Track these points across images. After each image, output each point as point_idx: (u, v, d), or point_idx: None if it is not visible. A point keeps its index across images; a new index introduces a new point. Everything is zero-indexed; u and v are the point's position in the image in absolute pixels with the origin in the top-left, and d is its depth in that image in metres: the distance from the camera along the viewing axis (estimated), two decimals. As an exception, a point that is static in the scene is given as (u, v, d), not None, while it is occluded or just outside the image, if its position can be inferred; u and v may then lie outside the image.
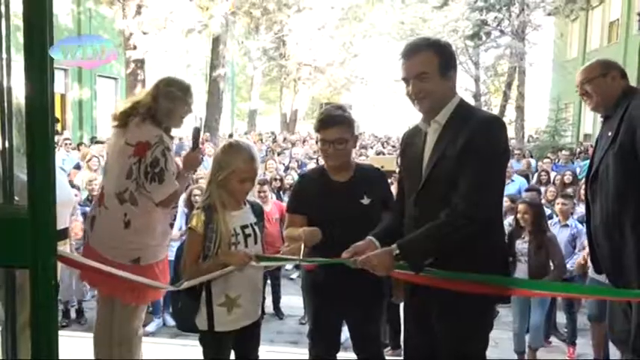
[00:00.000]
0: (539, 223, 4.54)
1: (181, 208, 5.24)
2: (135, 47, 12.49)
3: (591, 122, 21.39)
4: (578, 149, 15.61)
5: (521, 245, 4.58)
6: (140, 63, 13.00)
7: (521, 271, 4.55)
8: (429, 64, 2.03)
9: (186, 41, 14.79)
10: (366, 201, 2.60)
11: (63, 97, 16.37)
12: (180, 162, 2.97)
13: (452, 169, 1.98)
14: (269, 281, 5.92)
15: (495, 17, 18.96)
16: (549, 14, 20.77)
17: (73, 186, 5.83)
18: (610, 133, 2.44)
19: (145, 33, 12.69)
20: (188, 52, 18.94)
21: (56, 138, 12.46)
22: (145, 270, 2.75)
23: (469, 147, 1.95)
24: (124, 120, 2.79)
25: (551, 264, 4.42)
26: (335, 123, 2.55)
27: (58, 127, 15.67)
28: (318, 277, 2.65)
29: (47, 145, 1.65)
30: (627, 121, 2.35)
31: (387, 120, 35.38)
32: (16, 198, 1.74)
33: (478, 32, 18.94)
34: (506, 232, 4.29)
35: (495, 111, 25.29)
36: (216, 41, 16.83)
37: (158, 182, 2.68)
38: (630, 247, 2.36)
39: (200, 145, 3.02)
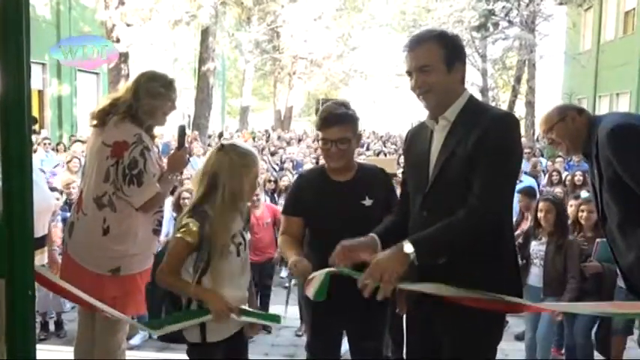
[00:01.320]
0: (561, 224, 4.47)
1: (169, 213, 5.23)
2: (118, 40, 12.47)
3: (606, 118, 21.40)
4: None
5: (537, 247, 4.54)
6: (123, 57, 12.97)
7: (535, 275, 4.54)
8: (433, 55, 2.02)
9: (172, 33, 14.76)
10: (367, 202, 2.60)
11: (41, 93, 16.32)
12: (165, 163, 2.94)
13: (463, 168, 1.99)
14: (259, 290, 5.83)
15: (504, 7, 18.96)
16: (561, 3, 20.78)
17: (53, 189, 5.80)
18: (595, 171, 2.51)
19: (128, 25, 12.69)
20: (175, 44, 18.90)
21: (34, 138, 12.46)
22: (126, 281, 2.73)
23: (483, 145, 1.95)
24: (102, 119, 2.77)
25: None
26: (337, 121, 2.55)
27: (36, 126, 15.63)
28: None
29: (24, 147, 1.65)
30: (601, 151, 2.39)
31: (388, 117, 35.43)
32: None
33: (485, 23, 18.97)
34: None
35: (504, 107, 25.35)
36: (205, 33, 16.82)
37: (137, 185, 2.64)
38: None
39: (186, 145, 2.98)
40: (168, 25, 13.65)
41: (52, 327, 5.48)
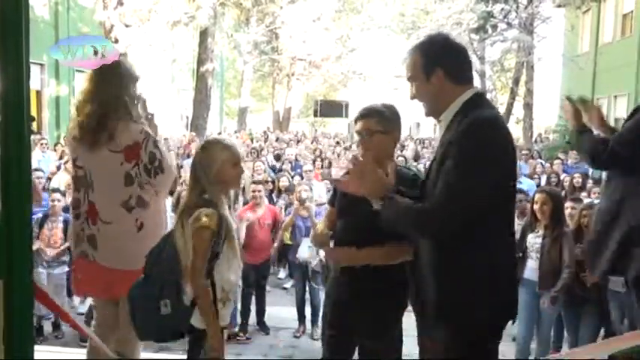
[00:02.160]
0: (558, 215, 4.52)
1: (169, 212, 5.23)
2: (116, 40, 12.45)
3: (604, 121, 21.43)
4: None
5: (533, 240, 4.58)
6: (122, 57, 12.89)
7: (531, 269, 4.59)
8: (414, 66, 2.08)
9: (171, 34, 14.75)
10: (376, 205, 2.59)
11: (39, 93, 16.27)
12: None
13: (437, 172, 2.00)
14: (253, 291, 5.84)
15: (502, 9, 18.97)
16: (559, 6, 20.81)
17: (55, 190, 5.76)
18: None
19: (127, 25, 12.68)
20: (174, 45, 18.90)
21: (32, 137, 12.44)
22: None
23: (451, 148, 1.94)
24: (96, 135, 2.72)
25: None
26: (364, 115, 2.69)
27: (34, 126, 15.60)
28: (330, 288, 2.83)
29: (23, 147, 1.65)
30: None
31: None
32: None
33: (484, 25, 18.96)
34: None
35: (502, 109, 25.39)
36: (203, 34, 16.80)
37: (162, 172, 2.74)
38: None
39: (150, 113, 2.98)
40: (166, 26, 13.65)
41: (49, 328, 5.46)
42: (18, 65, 1.73)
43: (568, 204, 5.19)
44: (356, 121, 2.71)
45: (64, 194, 5.57)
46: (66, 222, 5.21)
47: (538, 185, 8.68)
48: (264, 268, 5.98)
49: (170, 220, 5.13)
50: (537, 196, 4.60)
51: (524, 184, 8.08)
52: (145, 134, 2.74)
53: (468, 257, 1.96)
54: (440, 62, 2.04)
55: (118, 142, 2.71)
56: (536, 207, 4.56)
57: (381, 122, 2.64)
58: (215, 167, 2.45)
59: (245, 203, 5.98)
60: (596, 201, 6.62)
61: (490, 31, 19.60)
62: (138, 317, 2.46)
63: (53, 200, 5.34)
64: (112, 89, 2.76)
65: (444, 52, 2.07)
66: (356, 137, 2.87)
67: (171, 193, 5.15)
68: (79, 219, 2.84)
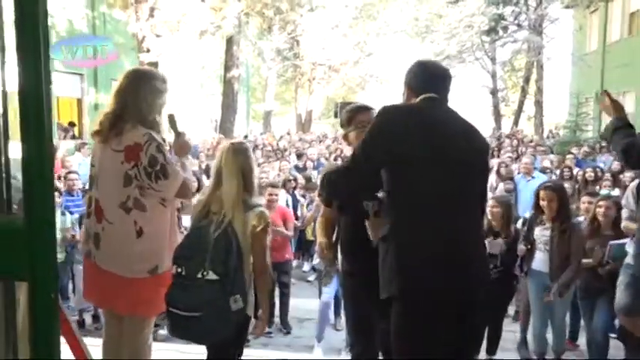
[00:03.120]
0: (564, 209, 4.32)
1: None
2: (148, 50, 12.51)
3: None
4: (599, 144, 15.20)
5: (541, 232, 4.40)
6: (154, 66, 13.00)
7: (540, 260, 4.39)
8: (403, 95, 2.43)
9: (199, 43, 14.77)
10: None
11: (79, 101, 16.49)
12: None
13: None
14: (277, 288, 5.57)
15: (513, 11, 18.60)
16: (567, 7, 20.36)
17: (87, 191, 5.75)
18: None
19: (158, 36, 12.71)
20: (202, 54, 18.95)
21: (73, 142, 12.55)
22: (161, 278, 2.61)
23: None
24: (108, 134, 2.64)
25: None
26: (369, 108, 2.83)
27: (76, 131, 15.79)
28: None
29: (43, 148, 1.55)
30: None
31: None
32: (15, 207, 1.65)
33: (495, 27, 18.61)
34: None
35: (513, 107, 24.95)
36: (229, 42, 16.81)
37: (165, 178, 2.55)
38: None
39: (180, 131, 2.84)
40: (195, 35, 13.67)
41: (89, 320, 5.45)
42: (37, 66, 1.58)
43: (585, 198, 4.98)
44: (356, 112, 2.83)
45: None
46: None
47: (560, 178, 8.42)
48: (284, 265, 5.79)
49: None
50: (542, 193, 4.39)
51: (538, 178, 7.83)
52: (149, 137, 2.56)
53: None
54: (407, 82, 2.41)
55: (121, 141, 2.59)
56: (542, 203, 4.37)
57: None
58: (254, 169, 2.57)
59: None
60: (612, 192, 6.39)
61: (501, 32, 19.22)
62: (211, 321, 2.39)
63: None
64: (132, 94, 2.65)
65: (412, 74, 2.40)
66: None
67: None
68: (89, 217, 2.74)
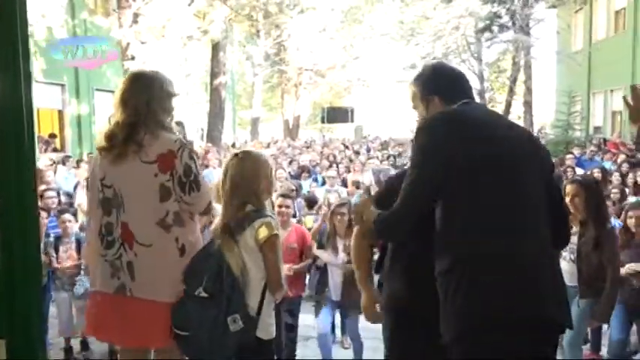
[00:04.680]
0: (597, 209, 3.59)
1: None
2: (133, 58, 12.10)
3: (601, 115, 20.95)
4: (593, 144, 15.09)
5: None
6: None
7: (567, 272, 3.58)
8: (414, 97, 2.17)
9: (185, 50, 14.40)
10: None
11: (61, 113, 15.99)
12: None
13: None
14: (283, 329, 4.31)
15: (508, 9, 18.50)
16: (553, 6, 20.40)
17: (62, 211, 5.25)
18: None
19: (142, 42, 12.32)
20: (187, 60, 18.58)
21: (56, 155, 12.08)
22: None
23: None
24: (124, 146, 2.29)
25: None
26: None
27: (57, 143, 15.28)
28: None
29: (24, 171, 1.21)
30: None
31: (390, 122, 34.99)
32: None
33: (490, 25, 18.50)
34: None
35: (500, 107, 24.92)
36: (215, 49, 16.50)
37: (197, 190, 2.29)
38: None
39: (190, 139, 2.67)
40: (181, 40, 13.30)
41: (77, 347, 5.04)
42: (15, 77, 1.30)
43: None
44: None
45: (74, 214, 5.10)
46: (78, 241, 4.78)
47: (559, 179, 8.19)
48: (293, 303, 4.32)
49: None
50: (569, 188, 3.68)
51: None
52: (181, 144, 2.27)
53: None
54: (433, 88, 2.09)
55: (149, 151, 2.24)
56: (567, 199, 3.60)
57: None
58: (261, 178, 2.36)
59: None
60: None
61: (496, 30, 19.13)
62: (204, 340, 2.25)
63: (64, 222, 4.80)
64: (145, 99, 2.31)
65: (435, 78, 2.13)
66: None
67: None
68: (113, 246, 2.31)
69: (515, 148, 1.87)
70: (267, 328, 2.36)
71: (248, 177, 2.33)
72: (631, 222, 3.90)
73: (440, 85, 2.09)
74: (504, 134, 1.91)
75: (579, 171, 8.60)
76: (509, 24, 19.09)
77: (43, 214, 4.74)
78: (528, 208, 1.82)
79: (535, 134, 18.92)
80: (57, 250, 4.77)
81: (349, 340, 4.84)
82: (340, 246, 4.33)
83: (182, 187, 2.25)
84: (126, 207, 2.29)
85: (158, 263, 2.28)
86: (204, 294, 2.24)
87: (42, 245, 4.62)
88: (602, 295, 3.53)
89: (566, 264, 3.74)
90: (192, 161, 2.29)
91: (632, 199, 6.02)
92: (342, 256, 4.30)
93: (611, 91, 20.11)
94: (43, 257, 4.66)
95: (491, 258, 1.75)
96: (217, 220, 2.43)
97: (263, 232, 2.27)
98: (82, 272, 4.79)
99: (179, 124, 2.53)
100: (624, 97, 2.73)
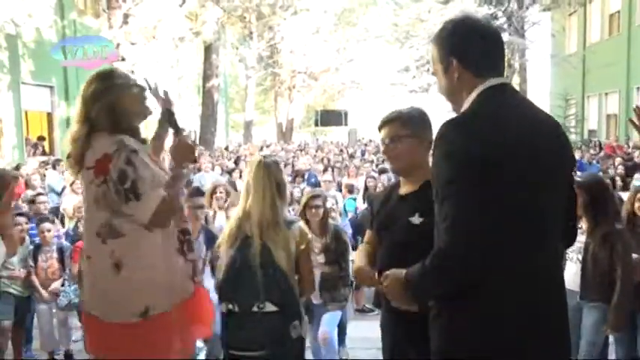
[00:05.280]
0: (604, 207, 3.41)
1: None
2: (123, 59, 11.84)
3: (596, 118, 20.91)
4: (591, 147, 14.98)
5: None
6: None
7: (573, 274, 3.46)
8: (433, 59, 1.78)
9: (177, 51, 14.17)
10: (416, 220, 2.10)
11: (49, 115, 15.70)
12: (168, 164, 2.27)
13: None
14: None
15: (505, 10, 18.35)
16: (548, 9, 20.36)
17: (43, 219, 4.94)
18: None
19: (132, 43, 12.08)
20: (179, 62, 18.35)
21: (46, 158, 11.78)
22: (162, 323, 2.05)
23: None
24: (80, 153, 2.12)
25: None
26: (388, 120, 2.26)
27: (46, 146, 14.98)
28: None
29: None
30: None
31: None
32: None
33: None
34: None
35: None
36: (208, 51, 16.30)
37: (136, 199, 2.00)
38: None
39: (183, 132, 2.34)
40: (172, 42, 13.07)
41: (61, 360, 4.77)
42: None
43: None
44: (380, 128, 2.29)
45: (53, 221, 4.82)
46: (61, 250, 4.51)
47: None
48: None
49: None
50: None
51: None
52: (119, 146, 2.01)
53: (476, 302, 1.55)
54: (454, 51, 1.63)
55: (90, 156, 2.06)
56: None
57: (407, 125, 2.21)
58: (285, 185, 2.42)
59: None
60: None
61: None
62: (273, 353, 2.25)
63: (42, 231, 4.54)
64: (97, 100, 2.13)
65: (458, 39, 1.64)
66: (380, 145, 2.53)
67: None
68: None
69: (548, 159, 1.59)
70: (307, 325, 2.50)
71: (280, 184, 2.40)
72: (638, 205, 3.61)
73: (459, 44, 1.63)
74: (537, 144, 1.58)
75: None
76: (505, 26, 18.98)
77: (22, 219, 4.47)
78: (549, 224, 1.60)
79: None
80: (35, 260, 4.50)
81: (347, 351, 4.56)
82: (318, 246, 3.83)
83: (119, 195, 2.00)
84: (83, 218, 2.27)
85: (93, 278, 2.12)
86: (271, 307, 2.22)
87: (20, 254, 4.37)
88: (613, 299, 3.27)
89: (573, 265, 3.51)
90: (130, 167, 2.01)
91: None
92: (317, 258, 3.80)
93: (606, 94, 20.09)
94: (21, 270, 4.40)
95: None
96: (227, 225, 2.47)
97: (301, 239, 2.33)
98: (66, 283, 4.55)
99: (166, 112, 2.36)
100: (630, 119, 2.56)
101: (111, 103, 2.13)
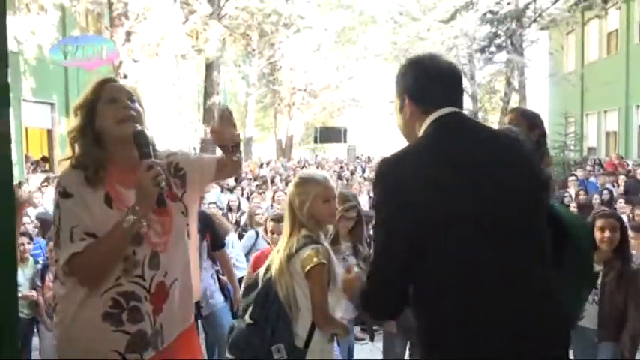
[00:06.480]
0: (622, 244, 3.36)
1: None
2: (125, 76, 11.85)
3: (595, 136, 20.96)
4: (589, 165, 14.98)
5: None
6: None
7: (589, 314, 3.30)
8: (394, 97, 1.82)
9: (178, 69, 14.20)
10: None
11: (50, 132, 15.65)
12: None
13: None
14: None
15: (507, 29, 18.50)
16: (547, 27, 20.55)
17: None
18: None
19: (135, 61, 12.10)
20: (180, 79, 18.39)
21: (47, 175, 11.70)
22: None
23: None
24: None
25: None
26: None
27: (47, 166, 14.91)
28: None
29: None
30: None
31: (383, 142, 34.97)
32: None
33: (489, 45, 18.50)
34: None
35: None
36: (209, 68, 16.34)
37: (57, 246, 1.70)
38: None
39: (150, 152, 1.74)
40: (174, 59, 13.10)
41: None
42: None
43: (630, 233, 4.18)
44: None
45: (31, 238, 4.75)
46: (46, 266, 4.46)
47: (561, 203, 7.96)
48: None
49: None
50: (600, 222, 3.35)
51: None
52: (57, 185, 1.73)
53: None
54: (407, 89, 1.64)
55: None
56: (596, 235, 3.32)
57: None
58: (307, 203, 2.26)
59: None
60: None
61: (495, 50, 19.13)
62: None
63: (51, 250, 4.49)
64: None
65: (410, 78, 1.65)
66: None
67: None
68: None
69: (492, 184, 1.49)
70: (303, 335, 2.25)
71: (298, 202, 2.27)
72: None
73: (412, 83, 1.63)
74: (490, 174, 1.50)
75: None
76: (504, 44, 19.15)
77: (24, 239, 4.40)
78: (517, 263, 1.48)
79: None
80: (43, 280, 4.42)
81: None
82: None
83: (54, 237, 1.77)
84: None
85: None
86: (249, 320, 2.24)
87: (27, 274, 4.29)
88: (623, 334, 3.24)
89: (589, 305, 3.35)
90: (57, 210, 1.70)
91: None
92: None
93: (605, 112, 20.16)
94: (28, 290, 4.31)
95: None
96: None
97: (308, 261, 2.21)
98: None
99: (136, 134, 1.75)
100: None
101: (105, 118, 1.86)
